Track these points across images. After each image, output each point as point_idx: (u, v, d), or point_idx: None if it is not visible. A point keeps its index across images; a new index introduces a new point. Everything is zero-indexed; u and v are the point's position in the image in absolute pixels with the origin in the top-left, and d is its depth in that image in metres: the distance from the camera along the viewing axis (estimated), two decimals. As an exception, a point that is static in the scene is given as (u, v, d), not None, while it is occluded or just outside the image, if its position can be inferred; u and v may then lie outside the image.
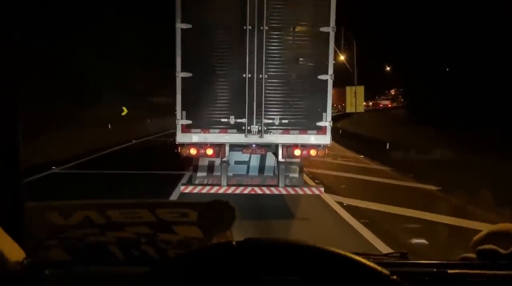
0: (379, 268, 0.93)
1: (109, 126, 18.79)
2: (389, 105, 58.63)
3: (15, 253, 1.01)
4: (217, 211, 1.17)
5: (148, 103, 26.09)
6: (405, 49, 29.78)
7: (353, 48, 28.33)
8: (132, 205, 1.20)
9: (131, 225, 1.16)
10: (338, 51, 33.90)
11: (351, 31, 27.79)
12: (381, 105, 60.82)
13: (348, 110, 27.19)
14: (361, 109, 26.60)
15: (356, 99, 25.25)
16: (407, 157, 12.71)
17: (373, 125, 24.84)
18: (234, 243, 0.95)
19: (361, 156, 15.16)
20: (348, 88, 26.61)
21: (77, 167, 11.99)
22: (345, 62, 34.43)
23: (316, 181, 9.33)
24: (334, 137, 17.62)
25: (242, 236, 1.01)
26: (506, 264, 1.11)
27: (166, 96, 22.35)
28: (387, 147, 15.05)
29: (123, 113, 19.97)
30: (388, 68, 42.85)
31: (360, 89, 26.18)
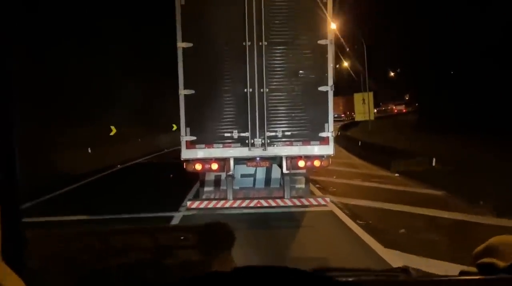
0: None
1: (89, 150, 16.00)
2: (404, 111, 56.46)
3: (14, 282, 0.98)
4: (217, 233, 1.17)
5: (143, 120, 24.41)
6: (413, 52, 28.94)
7: (362, 53, 27.57)
8: (132, 230, 1.21)
9: (132, 250, 1.16)
10: (342, 58, 33.91)
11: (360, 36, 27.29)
12: (395, 111, 57.77)
13: (357, 118, 25.90)
14: (371, 117, 25.09)
15: (366, 107, 24.12)
16: (461, 175, 9.23)
17: (393, 134, 21.90)
18: (233, 271, 0.94)
19: (396, 174, 11.67)
20: (356, 96, 25.49)
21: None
22: (349, 69, 34.43)
23: (359, 221, 6.83)
24: (354, 150, 17.47)
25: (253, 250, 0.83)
26: (506, 278, 1.08)
27: (162, 113, 21.09)
28: (433, 163, 11.42)
29: (112, 134, 18.23)
30: (392, 74, 42.30)
31: (370, 96, 24.91)
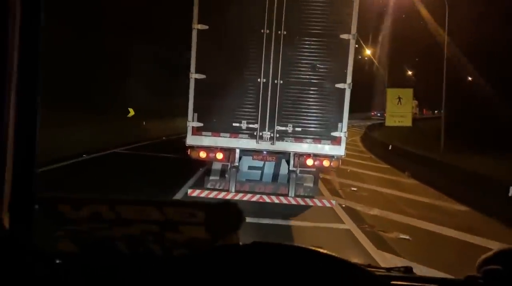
0: (381, 278, 0.99)
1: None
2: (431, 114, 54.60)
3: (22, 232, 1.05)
4: (225, 212, 1.17)
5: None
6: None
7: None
8: (142, 202, 1.21)
9: (139, 222, 1.17)
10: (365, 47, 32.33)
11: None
12: (424, 113, 54.94)
13: (388, 122, 18.57)
14: (407, 122, 18.32)
15: (402, 108, 18.03)
16: None
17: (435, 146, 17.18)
18: (240, 244, 0.97)
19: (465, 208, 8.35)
20: (389, 92, 18.75)
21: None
22: (371, 57, 33.25)
23: None
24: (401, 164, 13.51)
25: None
26: None
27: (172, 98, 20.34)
28: None
29: (130, 115, 18.22)
30: (410, 73, 41.02)
31: (407, 93, 18.56)
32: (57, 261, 1.08)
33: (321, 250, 0.97)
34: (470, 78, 24.81)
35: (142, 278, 1.03)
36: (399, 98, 18.08)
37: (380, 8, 26.18)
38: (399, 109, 18.17)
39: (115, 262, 1.14)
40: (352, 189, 9.67)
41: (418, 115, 40.47)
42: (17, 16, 1.02)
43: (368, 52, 32.93)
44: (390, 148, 16.25)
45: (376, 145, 19.67)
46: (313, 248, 0.97)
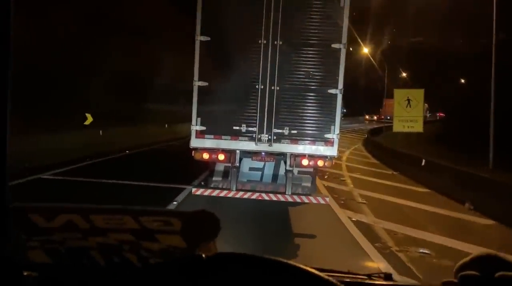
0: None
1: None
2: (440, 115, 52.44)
3: None
4: (202, 221, 1.14)
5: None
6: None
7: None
8: (116, 211, 1.18)
9: (114, 231, 1.14)
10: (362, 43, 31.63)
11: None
12: (440, 115, 51.35)
13: (396, 128, 15.85)
14: (418, 127, 15.63)
15: (412, 111, 15.36)
16: None
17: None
18: (203, 256, 0.94)
19: None
20: (397, 93, 16.09)
21: None
22: (369, 55, 32.94)
23: None
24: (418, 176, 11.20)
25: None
26: None
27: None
28: None
29: (87, 122, 14.99)
30: (404, 74, 40.42)
31: (418, 94, 15.74)
32: (26, 273, 1.04)
33: (287, 261, 0.93)
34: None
35: None
36: (408, 100, 15.40)
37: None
38: (409, 113, 15.42)
39: (90, 272, 1.10)
40: (422, 251, 6.00)
41: (427, 118, 38.26)
42: None
43: (365, 50, 32.79)
44: (423, 164, 12.55)
45: (393, 157, 16.47)
46: (278, 259, 0.93)
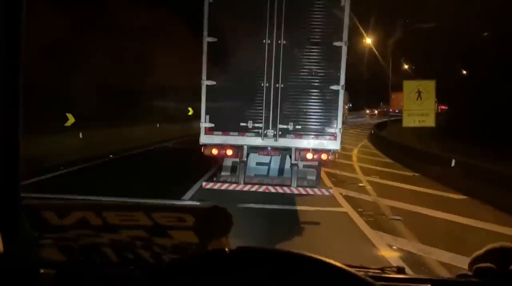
0: (369, 279, 0.91)
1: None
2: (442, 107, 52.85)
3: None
4: (214, 217, 1.14)
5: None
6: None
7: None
8: (129, 207, 1.17)
9: (127, 227, 1.13)
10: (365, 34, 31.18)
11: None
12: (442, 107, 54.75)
13: (406, 123, 14.47)
14: (430, 122, 14.21)
15: (423, 104, 13.84)
16: None
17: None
18: (227, 250, 0.93)
19: None
20: (406, 84, 14.69)
21: None
22: (372, 47, 32.51)
23: None
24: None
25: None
26: (503, 283, 1.06)
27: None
28: None
29: (68, 123, 13.30)
30: (406, 66, 39.85)
31: (429, 86, 14.23)
32: (42, 270, 1.03)
33: (306, 254, 0.93)
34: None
35: (131, 284, 0.99)
36: (419, 92, 14.00)
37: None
38: (419, 107, 14.08)
39: (104, 269, 1.10)
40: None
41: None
42: None
43: (368, 41, 32.58)
44: (453, 164, 11.13)
45: (407, 154, 15.01)
46: (298, 252, 0.93)
